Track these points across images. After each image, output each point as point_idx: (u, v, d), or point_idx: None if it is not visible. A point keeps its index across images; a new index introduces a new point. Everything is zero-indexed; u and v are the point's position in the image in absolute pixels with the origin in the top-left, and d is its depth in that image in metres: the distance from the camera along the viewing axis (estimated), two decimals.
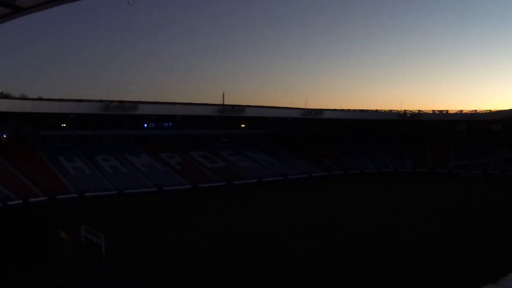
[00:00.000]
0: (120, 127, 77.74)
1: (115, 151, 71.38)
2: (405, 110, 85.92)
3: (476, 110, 78.59)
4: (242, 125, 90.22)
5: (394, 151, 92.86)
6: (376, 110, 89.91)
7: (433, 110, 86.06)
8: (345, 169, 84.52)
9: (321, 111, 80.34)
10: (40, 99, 56.42)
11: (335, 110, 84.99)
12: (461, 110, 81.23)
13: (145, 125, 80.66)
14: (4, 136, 65.38)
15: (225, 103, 70.18)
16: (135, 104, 60.20)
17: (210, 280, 23.74)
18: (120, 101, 59.63)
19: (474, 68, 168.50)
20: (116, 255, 28.07)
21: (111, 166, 65.19)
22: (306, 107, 79.03)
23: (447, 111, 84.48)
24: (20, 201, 49.23)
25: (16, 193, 50.56)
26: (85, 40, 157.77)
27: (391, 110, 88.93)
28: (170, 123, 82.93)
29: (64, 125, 71.29)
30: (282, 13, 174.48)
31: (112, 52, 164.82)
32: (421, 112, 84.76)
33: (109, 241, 29.86)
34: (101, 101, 58.83)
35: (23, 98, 57.93)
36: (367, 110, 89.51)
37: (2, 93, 60.97)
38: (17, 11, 16.09)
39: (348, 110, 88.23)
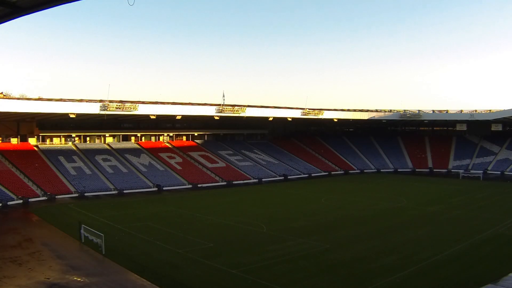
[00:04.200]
0: (120, 127, 77.76)
1: (115, 151, 71.40)
2: (405, 110, 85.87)
3: (476, 110, 78.55)
4: (242, 125, 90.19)
5: (394, 151, 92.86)
6: (376, 110, 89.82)
7: (433, 110, 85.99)
8: (345, 169, 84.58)
9: (321, 111, 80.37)
10: (40, 99, 56.36)
11: (335, 110, 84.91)
12: (461, 110, 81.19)
13: (145, 125, 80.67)
14: (4, 136, 65.33)
15: (225, 103, 70.17)
16: (135, 104, 60.21)
17: (208, 279, 23.74)
18: (120, 101, 59.62)
19: (474, 68, 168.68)
20: (116, 255, 28.07)
21: (111, 166, 65.21)
22: (306, 107, 79.00)
23: (447, 111, 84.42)
24: (21, 201, 49.28)
25: (17, 193, 50.61)
26: (85, 40, 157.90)
27: (391, 110, 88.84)
28: (170, 123, 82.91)
29: (64, 125, 71.27)
30: (282, 13, 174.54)
31: (112, 52, 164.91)
32: (421, 112, 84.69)
33: (109, 240, 29.89)
34: (101, 101, 58.80)
35: (23, 98, 57.79)
36: (367, 110, 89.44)
37: (2, 93, 60.90)
38: (17, 11, 16.10)
39: (348, 110, 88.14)
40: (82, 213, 42.70)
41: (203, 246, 30.42)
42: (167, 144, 79.77)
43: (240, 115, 71.70)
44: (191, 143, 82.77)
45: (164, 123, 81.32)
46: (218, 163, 74.96)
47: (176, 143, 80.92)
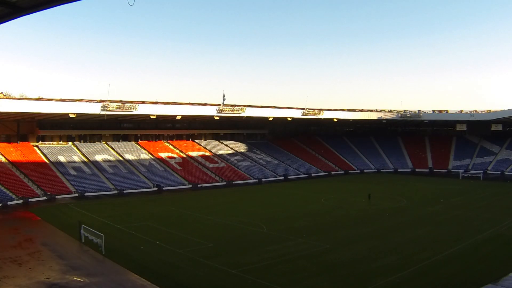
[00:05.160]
0: (120, 127, 77.76)
1: (115, 151, 71.36)
2: (405, 110, 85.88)
3: (476, 110, 78.59)
4: (242, 125, 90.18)
5: (394, 151, 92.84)
6: (376, 110, 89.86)
7: (433, 110, 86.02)
8: (345, 169, 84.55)
9: (321, 111, 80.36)
10: (40, 99, 56.37)
11: (335, 110, 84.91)
12: (461, 110, 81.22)
13: (145, 125, 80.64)
14: (4, 136, 65.30)
15: (225, 103, 70.12)
16: (135, 104, 60.21)
17: (208, 279, 23.75)
18: (120, 101, 59.63)
19: (473, 68, 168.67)
20: (116, 255, 28.06)
21: (111, 166, 65.19)
22: (306, 107, 79.00)
23: (447, 111, 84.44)
24: (21, 201, 49.26)
25: (17, 193, 50.58)
26: (85, 40, 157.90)
27: (391, 110, 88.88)
28: (170, 123, 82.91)
29: (64, 125, 71.26)
30: (282, 14, 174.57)
31: (112, 52, 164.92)
32: (421, 112, 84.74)
33: (109, 240, 29.87)
34: (101, 101, 58.81)
35: (23, 98, 57.82)
36: (367, 110, 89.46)
37: (2, 93, 60.91)
38: (17, 11, 16.11)
39: (348, 110, 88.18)
40: (82, 213, 42.71)
41: (203, 246, 30.41)
42: (167, 144, 79.75)
43: (240, 115, 71.70)
44: (191, 143, 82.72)
45: (164, 123, 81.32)
46: (218, 163, 74.95)
47: (176, 143, 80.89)
